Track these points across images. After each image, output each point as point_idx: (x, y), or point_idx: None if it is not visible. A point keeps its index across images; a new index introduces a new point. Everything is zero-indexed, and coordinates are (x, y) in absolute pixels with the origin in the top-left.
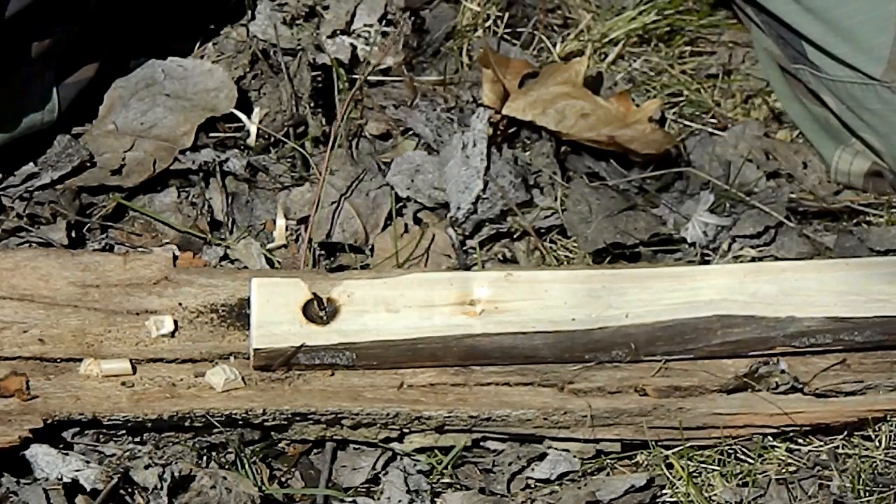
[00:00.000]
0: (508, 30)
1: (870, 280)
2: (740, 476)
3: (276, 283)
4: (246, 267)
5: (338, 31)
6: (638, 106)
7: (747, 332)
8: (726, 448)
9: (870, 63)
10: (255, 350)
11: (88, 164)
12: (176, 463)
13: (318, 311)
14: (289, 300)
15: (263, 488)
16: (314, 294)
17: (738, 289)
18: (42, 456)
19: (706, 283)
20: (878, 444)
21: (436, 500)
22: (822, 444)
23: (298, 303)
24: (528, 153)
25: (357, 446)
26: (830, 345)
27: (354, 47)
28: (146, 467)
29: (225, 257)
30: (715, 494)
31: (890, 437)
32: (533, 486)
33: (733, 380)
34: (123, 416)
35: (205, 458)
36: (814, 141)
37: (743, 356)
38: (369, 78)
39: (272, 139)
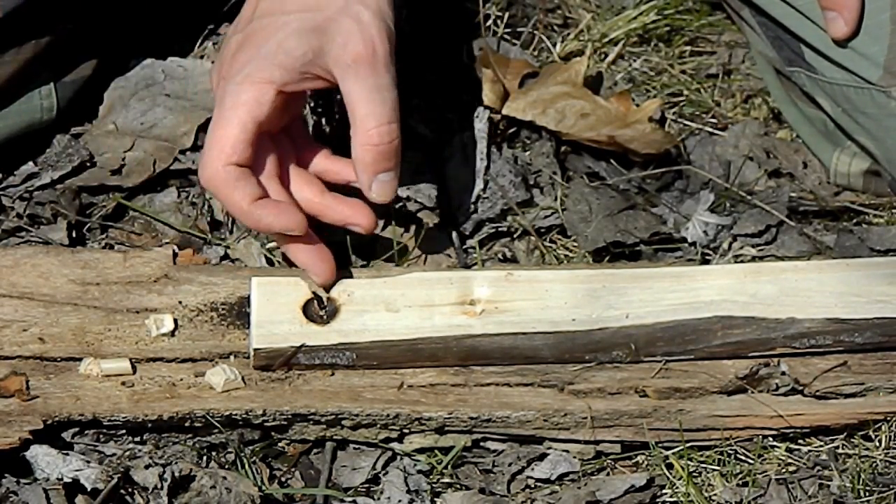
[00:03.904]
0: (508, 30)
1: (870, 281)
2: (740, 476)
3: (276, 283)
4: (246, 266)
5: None
6: (638, 106)
7: (747, 334)
8: (726, 448)
9: (866, 68)
10: (255, 350)
11: (88, 164)
12: (176, 463)
13: (318, 310)
14: (289, 299)
15: (263, 488)
16: (314, 293)
17: (738, 289)
18: (42, 456)
19: (706, 283)
20: (878, 444)
21: (436, 500)
22: (822, 444)
23: (298, 302)
24: (528, 153)
25: (357, 446)
26: (831, 346)
27: None
28: (146, 467)
29: (225, 257)
30: (715, 494)
31: (890, 437)
32: (533, 486)
33: (734, 381)
34: (123, 417)
35: (205, 458)
36: (811, 145)
37: (743, 357)
38: None
39: None
